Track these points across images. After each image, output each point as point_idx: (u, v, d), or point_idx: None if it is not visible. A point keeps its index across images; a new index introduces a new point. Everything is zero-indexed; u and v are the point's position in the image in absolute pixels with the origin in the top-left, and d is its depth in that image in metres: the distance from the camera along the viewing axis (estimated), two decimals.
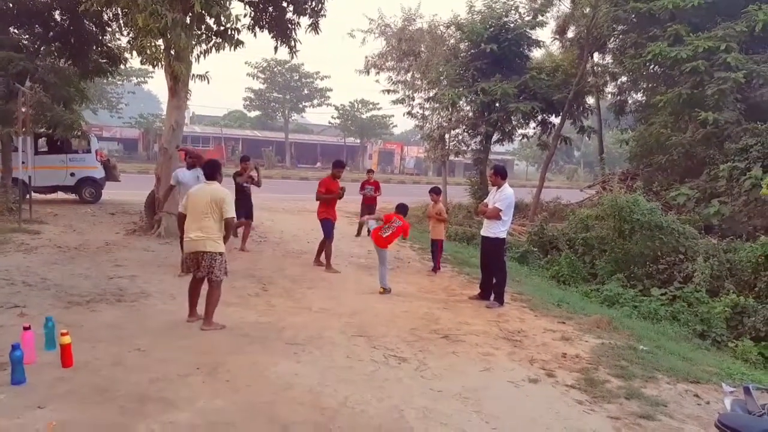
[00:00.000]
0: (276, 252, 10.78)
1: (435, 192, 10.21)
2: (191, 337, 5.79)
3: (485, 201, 8.31)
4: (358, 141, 60.88)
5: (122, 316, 6.39)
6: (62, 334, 4.88)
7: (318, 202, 9.49)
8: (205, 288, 6.16)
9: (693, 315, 9.26)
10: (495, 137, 21.68)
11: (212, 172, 6.23)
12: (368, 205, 13.46)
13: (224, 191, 5.99)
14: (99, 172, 17.27)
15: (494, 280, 8.02)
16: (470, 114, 21.64)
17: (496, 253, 7.95)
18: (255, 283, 8.21)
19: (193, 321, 6.20)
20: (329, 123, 60.39)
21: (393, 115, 63.82)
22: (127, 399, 4.36)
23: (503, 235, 7.93)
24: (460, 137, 22.33)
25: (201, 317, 6.21)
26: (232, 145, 55.94)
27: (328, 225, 9.39)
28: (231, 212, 5.92)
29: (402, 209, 8.46)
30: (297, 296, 7.80)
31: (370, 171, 14.90)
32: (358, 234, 13.52)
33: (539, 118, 20.85)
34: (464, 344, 6.26)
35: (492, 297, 8.04)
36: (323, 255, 9.62)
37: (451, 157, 24.05)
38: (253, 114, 62.39)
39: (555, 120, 21.20)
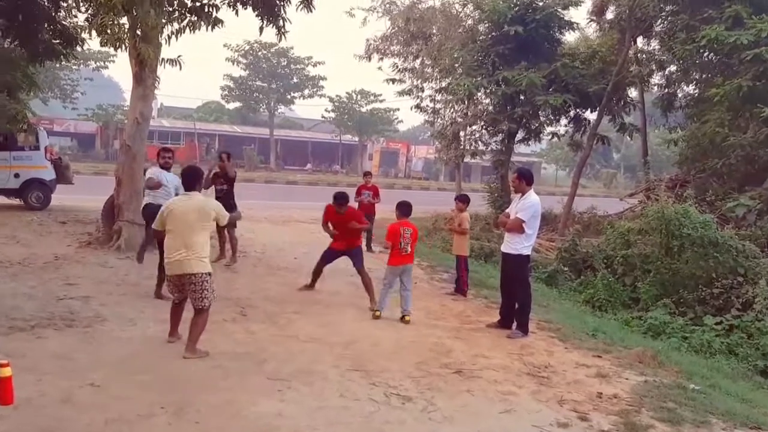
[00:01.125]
0: (257, 269, 10.79)
1: (462, 200, 10.34)
2: (155, 370, 5.79)
3: (507, 211, 8.31)
4: (357, 139, 61.30)
5: (73, 345, 6.38)
6: (1, 365, 4.87)
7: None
8: (188, 311, 6.36)
9: (754, 348, 9.25)
10: (519, 136, 21.91)
11: (193, 181, 6.43)
12: (365, 215, 13.47)
13: (212, 201, 6.50)
14: (48, 173, 17.33)
15: (516, 305, 8.00)
16: (490, 108, 21.82)
17: (519, 272, 7.95)
18: (231, 307, 8.20)
19: (173, 341, 6.47)
20: (322, 117, 61.01)
21: (398, 109, 64.04)
22: None
23: (527, 251, 7.92)
24: (478, 135, 22.60)
25: (182, 337, 6.42)
26: (206, 142, 56.54)
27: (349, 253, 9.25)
28: (224, 218, 6.44)
29: (405, 210, 8.45)
30: (282, 322, 7.79)
31: (367, 174, 14.91)
32: None
33: (572, 113, 21.05)
34: (481, 381, 6.24)
35: (514, 325, 8.03)
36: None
37: (467, 159, 24.29)
38: (233, 106, 62.79)
39: (590, 116, 21.34)
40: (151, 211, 8.57)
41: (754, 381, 8.11)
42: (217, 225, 6.88)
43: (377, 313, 8.22)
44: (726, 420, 5.76)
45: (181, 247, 6.12)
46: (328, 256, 9.36)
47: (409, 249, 8.27)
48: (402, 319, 8.18)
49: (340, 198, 9.03)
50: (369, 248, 13.80)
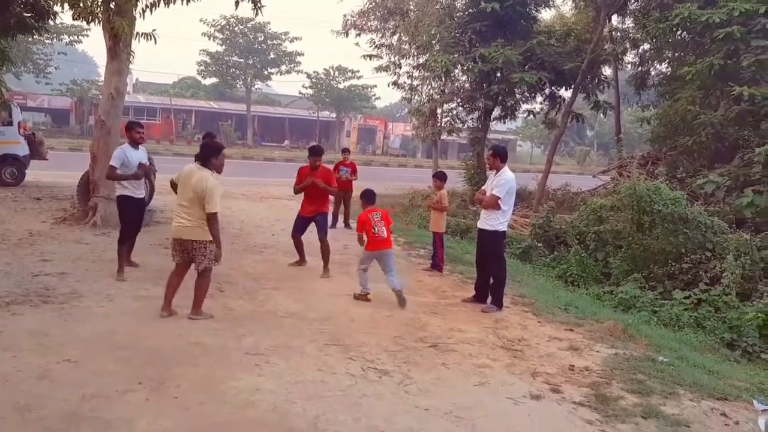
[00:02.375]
0: (235, 246, 10.73)
1: (439, 177, 10.28)
2: (132, 347, 5.76)
3: (482, 188, 8.34)
4: (334, 116, 60.67)
5: (49, 321, 6.33)
6: None
7: (299, 196, 9.62)
8: (187, 280, 6.59)
9: (721, 322, 9.41)
10: (495, 113, 21.97)
11: (207, 155, 6.38)
12: (343, 191, 13.46)
13: (210, 181, 6.20)
14: (22, 149, 17.03)
15: (491, 280, 8.05)
16: (467, 85, 21.78)
17: (495, 248, 7.98)
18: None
19: (165, 315, 6.51)
20: (300, 94, 59.55)
21: (375, 86, 63.80)
22: (53, 420, 4.33)
23: (503, 227, 7.95)
24: (455, 112, 22.58)
25: (175, 312, 6.62)
26: (183, 118, 55.83)
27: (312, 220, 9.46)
28: (214, 206, 6.16)
29: (369, 197, 8.38)
30: (260, 298, 7.79)
31: (345, 151, 14.95)
32: (333, 224, 13.59)
33: (547, 91, 21.12)
34: (456, 354, 6.30)
35: (489, 300, 8.08)
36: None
37: (444, 136, 24.19)
38: (209, 81, 61.46)
39: (565, 94, 21.41)
40: (121, 204, 8.39)
41: (721, 353, 8.27)
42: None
43: (368, 295, 8.04)
44: (693, 391, 5.87)
45: (182, 213, 6.34)
46: (299, 225, 9.53)
47: (385, 232, 8.07)
48: (399, 295, 7.97)
49: (316, 151, 9.25)
50: (347, 224, 13.79)
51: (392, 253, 8.23)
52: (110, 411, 4.49)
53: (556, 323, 7.77)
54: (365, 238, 8.13)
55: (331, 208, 10.73)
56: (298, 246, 9.63)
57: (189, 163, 6.65)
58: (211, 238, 6.37)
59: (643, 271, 11.41)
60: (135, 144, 8.51)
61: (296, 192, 9.37)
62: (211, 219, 6.22)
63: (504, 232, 8.05)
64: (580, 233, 13.18)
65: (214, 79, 59.32)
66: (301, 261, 9.66)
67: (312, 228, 9.43)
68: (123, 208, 8.35)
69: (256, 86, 60.04)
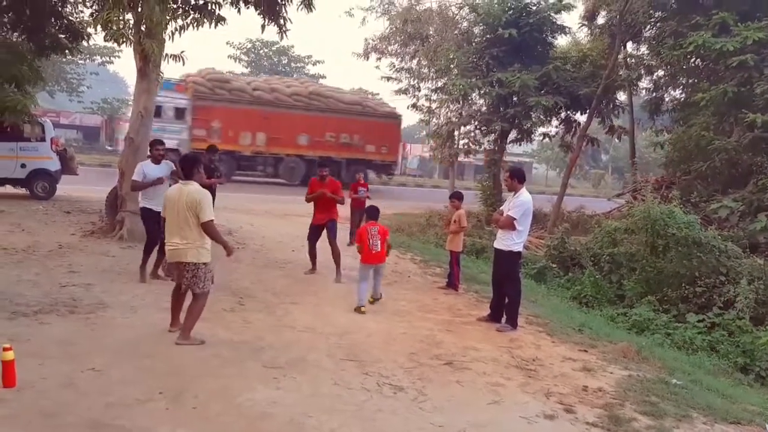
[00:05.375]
0: (256, 261, 10.77)
1: (457, 197, 10.22)
2: (154, 357, 5.77)
3: (500, 209, 8.32)
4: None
5: (75, 330, 6.35)
6: (4, 349, 4.86)
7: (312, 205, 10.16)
8: (189, 298, 6.32)
9: (734, 346, 9.25)
10: (511, 136, 21.95)
11: (189, 168, 6.25)
12: (358, 210, 13.43)
13: (200, 192, 6.07)
14: (54, 164, 17.23)
15: (507, 300, 8.00)
16: (484, 108, 21.87)
17: (510, 268, 7.94)
18: (230, 296, 8.16)
19: (174, 331, 6.36)
20: None
21: (395, 108, 62.33)
22: (77, 426, 4.34)
23: (518, 248, 7.91)
24: (472, 135, 22.59)
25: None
26: None
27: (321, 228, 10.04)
28: (207, 214, 6.00)
29: (371, 213, 8.61)
30: (279, 313, 7.77)
31: (360, 173, 15.39)
32: (351, 241, 13.55)
33: (563, 115, 21.13)
34: (470, 372, 6.24)
35: (504, 319, 8.02)
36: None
37: (461, 158, 24.24)
38: None
39: (581, 118, 21.35)
40: (143, 216, 8.85)
41: (734, 377, 8.12)
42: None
43: (362, 309, 8.07)
44: (707, 414, 5.76)
45: (175, 236, 6.10)
46: (313, 234, 10.04)
47: (379, 246, 8.29)
48: (370, 302, 8.44)
49: (322, 164, 10.36)
50: (352, 241, 13.66)
51: (383, 267, 8.65)
52: (131, 419, 4.50)
53: (570, 344, 7.67)
54: (359, 247, 8.49)
55: (341, 221, 11.04)
56: (312, 254, 10.14)
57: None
58: (206, 260, 6.17)
59: (657, 294, 11.27)
60: (156, 160, 8.86)
61: (308, 201, 10.00)
62: (209, 228, 6.04)
63: (520, 252, 8.00)
64: (594, 255, 13.04)
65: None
66: (313, 268, 10.13)
67: (325, 239, 9.93)
68: (144, 220, 8.86)
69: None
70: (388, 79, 25.65)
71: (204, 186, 9.20)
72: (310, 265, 10.15)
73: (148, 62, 11.61)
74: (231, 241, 11.79)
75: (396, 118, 30.83)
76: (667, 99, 21.73)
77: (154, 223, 8.33)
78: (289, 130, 27.47)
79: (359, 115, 29.02)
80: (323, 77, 57.82)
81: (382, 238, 8.33)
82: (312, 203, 9.98)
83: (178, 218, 6.04)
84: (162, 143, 9.11)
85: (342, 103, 29.26)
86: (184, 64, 12.24)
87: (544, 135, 22.59)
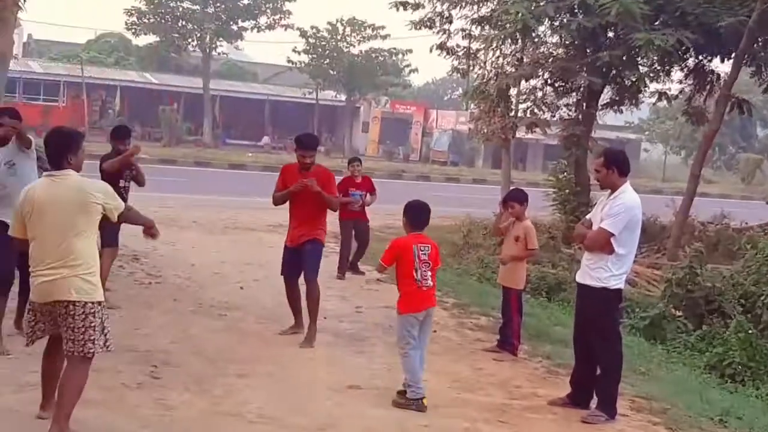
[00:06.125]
0: (179, 305, 7.87)
1: (517, 199, 7.21)
2: None
3: (587, 218, 6.07)
4: (343, 98, 41.28)
5: None
6: None
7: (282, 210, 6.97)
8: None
9: None
10: (605, 97, 15.71)
11: (61, 152, 4.48)
12: (353, 222, 9.63)
13: (94, 182, 4.63)
14: None
15: (598, 371, 5.68)
16: (559, 51, 15.60)
17: (604, 317, 5.60)
18: (136, 364, 5.78)
19: (46, 417, 4.43)
20: (289, 62, 40.42)
21: (411, 51, 40.42)
22: None
23: (618, 283, 5.54)
24: (539, 95, 15.94)
25: None
26: (101, 97, 38.38)
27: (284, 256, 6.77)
28: (118, 203, 4.50)
29: (419, 216, 5.58)
30: (217, 391, 5.37)
31: (355, 161, 10.28)
32: (341, 273, 9.73)
33: (691, 62, 14.76)
34: None
35: (593, 403, 5.67)
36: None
37: (521, 133, 17.74)
38: (144, 41, 41.29)
39: (721, 67, 14.95)
40: None
41: None
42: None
43: (423, 401, 5.26)
44: None
45: (50, 258, 4.27)
46: (289, 261, 6.68)
47: (431, 281, 5.47)
48: (402, 393, 5.36)
49: (307, 143, 6.60)
50: (355, 267, 9.86)
51: (433, 314, 5.66)
52: None
53: None
54: (383, 270, 5.69)
55: (327, 243, 7.58)
56: (292, 298, 6.83)
57: None
58: (98, 298, 4.33)
59: None
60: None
61: (277, 201, 6.76)
62: (122, 217, 4.53)
63: (619, 290, 5.63)
64: (745, 295, 9.80)
65: (152, 38, 39.88)
66: (297, 325, 6.83)
67: None
68: None
69: (219, 49, 40.09)
70: (403, 4, 19.33)
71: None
72: (292, 319, 6.89)
73: None
74: (140, 272, 9.08)
75: None
76: None
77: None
78: None
79: None
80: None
81: (434, 267, 5.50)
82: (285, 208, 6.77)
83: (54, 230, 4.31)
84: (8, 114, 5.84)
85: None
86: None
87: (660, 95, 15.86)
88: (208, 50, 38.54)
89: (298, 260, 6.58)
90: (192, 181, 20.13)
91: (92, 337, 4.22)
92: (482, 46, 16.83)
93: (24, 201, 4.41)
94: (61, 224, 4.23)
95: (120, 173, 7.18)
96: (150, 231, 4.76)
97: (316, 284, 6.50)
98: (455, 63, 18.15)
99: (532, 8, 13.29)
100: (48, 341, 4.48)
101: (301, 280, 6.67)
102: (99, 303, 4.28)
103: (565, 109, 15.89)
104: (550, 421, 5.44)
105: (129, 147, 7.22)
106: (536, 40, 15.49)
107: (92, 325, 4.21)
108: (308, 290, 6.50)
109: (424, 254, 5.38)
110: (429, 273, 5.41)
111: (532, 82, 15.61)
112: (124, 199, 6.67)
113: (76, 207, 4.26)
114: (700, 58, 14.70)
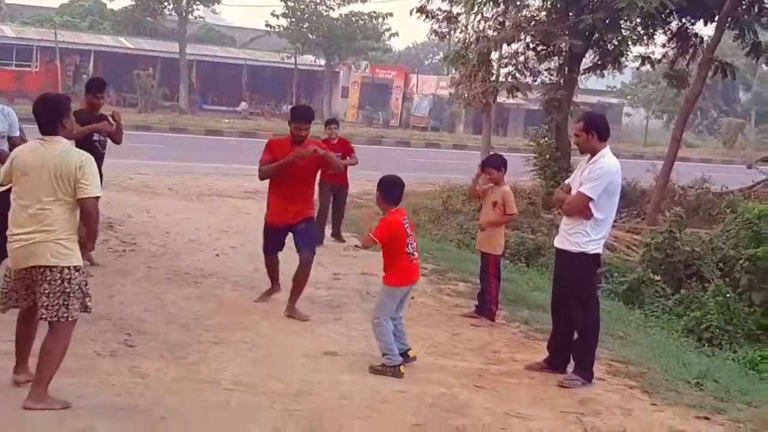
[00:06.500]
0: (153, 273, 7.65)
1: (495, 165, 7.03)
2: None
3: (566, 182, 5.89)
4: (323, 63, 40.14)
5: None
6: None
7: (266, 185, 6.56)
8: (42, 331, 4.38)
9: None
10: (587, 61, 15.29)
11: (55, 117, 4.42)
12: (333, 186, 9.28)
13: (79, 154, 4.41)
14: None
15: (576, 335, 5.59)
16: (542, 14, 15.24)
17: (582, 281, 5.49)
18: (110, 332, 5.63)
19: (22, 381, 4.41)
20: (267, 27, 38.90)
21: (391, 14, 39.35)
22: None
23: (596, 248, 5.42)
24: (521, 59, 15.52)
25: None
26: (75, 62, 37.38)
27: (273, 234, 6.48)
28: (93, 189, 4.30)
29: (391, 189, 5.44)
30: (191, 358, 5.24)
31: (332, 123, 9.96)
32: (319, 240, 9.37)
33: (674, 24, 14.48)
34: None
35: (570, 367, 5.58)
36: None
37: (502, 98, 17.77)
38: (119, 5, 41.01)
39: (704, 30, 14.69)
40: None
41: None
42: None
43: (400, 369, 5.24)
44: None
45: (28, 222, 4.21)
46: (271, 239, 6.44)
47: (416, 252, 5.46)
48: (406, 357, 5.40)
49: (302, 115, 6.21)
50: (337, 235, 9.69)
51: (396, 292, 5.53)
52: None
53: (681, 407, 5.20)
54: (374, 243, 5.40)
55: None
56: (271, 267, 6.63)
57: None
58: (76, 263, 4.24)
59: None
60: None
61: (267, 175, 6.27)
62: (92, 209, 4.29)
63: (597, 255, 5.51)
64: (724, 259, 9.68)
65: (127, 1, 38.91)
66: (274, 288, 6.71)
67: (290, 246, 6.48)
68: None
69: (196, 13, 39.16)
70: None
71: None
72: (268, 286, 6.76)
73: None
74: (114, 240, 8.76)
75: None
76: None
77: None
78: None
79: None
80: None
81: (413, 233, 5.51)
82: (272, 183, 6.38)
83: (32, 194, 4.25)
84: None
85: None
86: None
87: (643, 59, 15.63)
88: (184, 14, 37.35)
89: (281, 239, 6.39)
90: (168, 148, 19.66)
91: (66, 303, 4.13)
92: (463, 9, 16.51)
93: (13, 161, 4.32)
94: (40, 189, 4.14)
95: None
96: (84, 242, 4.44)
97: (310, 264, 6.31)
98: (436, 27, 17.87)
99: None
100: (21, 309, 4.36)
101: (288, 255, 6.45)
102: (76, 268, 4.20)
103: (546, 73, 15.59)
104: (527, 386, 5.32)
105: (103, 101, 7.05)
106: (518, 3, 15.21)
107: (67, 290, 4.13)
108: (305, 264, 6.24)
109: (407, 226, 5.35)
110: (415, 243, 5.42)
111: (514, 46, 15.33)
112: (99, 152, 6.65)
113: (56, 173, 4.14)
114: (684, 21, 14.44)
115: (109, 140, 7.26)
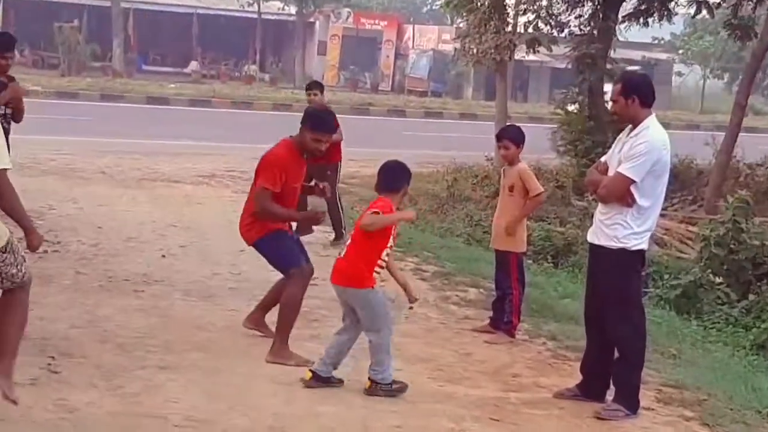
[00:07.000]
0: (83, 279, 6.83)
1: (511, 138, 6.00)
2: None
3: (602, 160, 5.15)
4: (293, 11, 34.82)
5: None
6: None
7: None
8: None
9: None
10: (628, 6, 13.50)
11: None
12: (319, 165, 7.32)
13: None
14: None
15: (616, 353, 4.87)
16: None
17: (622, 286, 4.78)
18: (30, 354, 4.86)
19: None
20: None
21: None
22: None
23: (639, 243, 4.71)
24: (544, 3, 13.68)
25: None
26: None
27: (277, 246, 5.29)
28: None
29: (393, 176, 4.66)
30: (133, 387, 4.63)
31: (314, 86, 8.66)
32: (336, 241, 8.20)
33: None
34: None
35: (611, 394, 4.88)
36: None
37: (520, 54, 15.98)
38: None
39: None
40: None
41: None
42: None
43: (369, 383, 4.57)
44: None
45: None
46: (292, 243, 5.33)
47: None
48: (370, 387, 4.58)
49: (329, 124, 5.16)
50: (339, 235, 8.14)
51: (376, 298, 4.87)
52: None
53: None
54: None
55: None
56: (306, 281, 5.51)
57: None
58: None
59: None
60: None
61: (274, 218, 5.14)
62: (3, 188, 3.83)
63: (642, 252, 4.78)
64: None
65: None
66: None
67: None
68: None
69: None
70: None
71: None
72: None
73: None
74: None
75: None
76: None
77: None
78: None
79: None
80: None
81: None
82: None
83: None
84: None
85: None
86: None
87: (699, 4, 13.21)
88: None
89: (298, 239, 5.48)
90: (98, 120, 17.41)
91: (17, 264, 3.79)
92: None
93: None
94: None
95: None
96: (30, 239, 3.94)
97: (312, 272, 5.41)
98: None
99: None
100: None
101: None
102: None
103: (576, 22, 13.66)
104: (556, 418, 4.57)
105: (12, 62, 6.18)
106: None
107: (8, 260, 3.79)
108: (288, 286, 5.22)
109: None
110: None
111: None
112: (3, 128, 5.83)
113: None
114: None
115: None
